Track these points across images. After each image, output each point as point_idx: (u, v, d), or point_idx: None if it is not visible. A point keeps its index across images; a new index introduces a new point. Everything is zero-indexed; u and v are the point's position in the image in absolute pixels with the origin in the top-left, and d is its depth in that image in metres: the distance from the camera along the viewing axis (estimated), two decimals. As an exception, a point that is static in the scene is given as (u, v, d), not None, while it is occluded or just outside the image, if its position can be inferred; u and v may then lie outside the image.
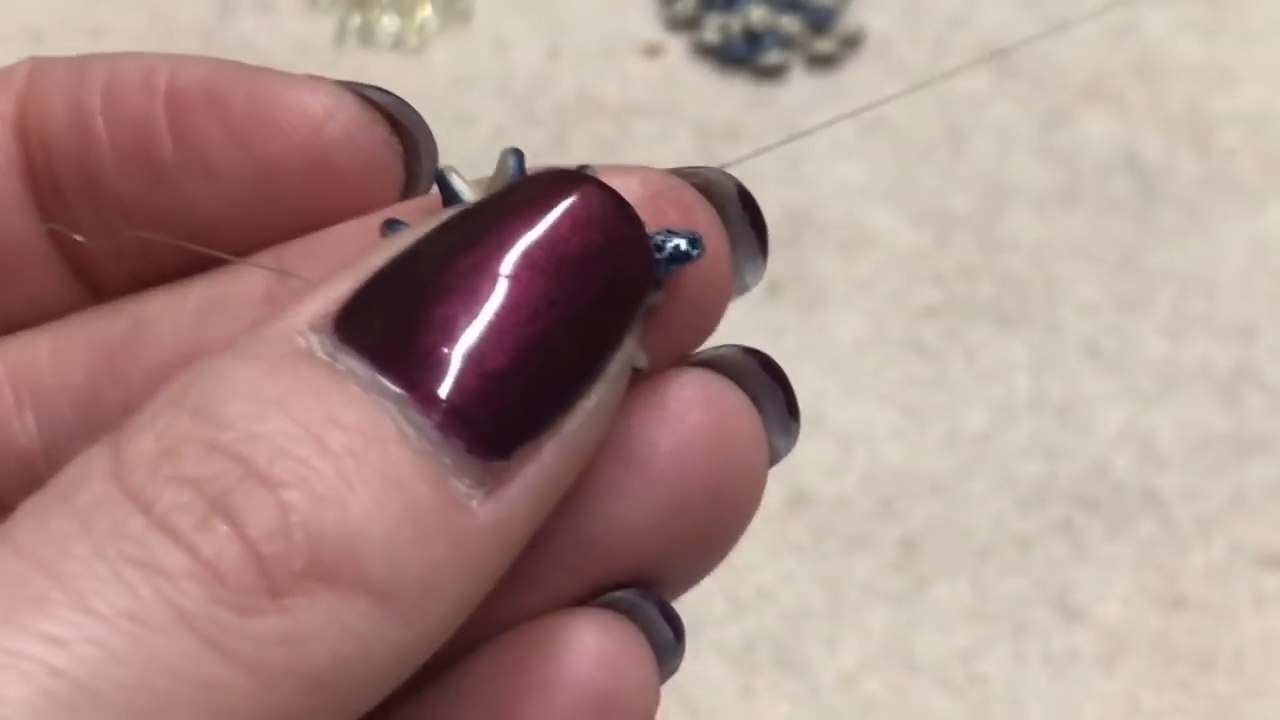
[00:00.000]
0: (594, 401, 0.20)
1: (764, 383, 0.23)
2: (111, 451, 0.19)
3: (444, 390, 0.19)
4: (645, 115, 0.54)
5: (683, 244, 0.22)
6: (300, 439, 0.19)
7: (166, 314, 0.24)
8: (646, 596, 0.23)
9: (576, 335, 0.20)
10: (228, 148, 0.23)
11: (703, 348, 0.23)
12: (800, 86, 0.55)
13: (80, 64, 0.24)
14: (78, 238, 0.24)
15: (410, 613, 0.19)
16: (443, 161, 0.24)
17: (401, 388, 0.19)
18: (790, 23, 0.55)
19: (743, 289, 0.24)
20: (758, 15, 0.55)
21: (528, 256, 0.20)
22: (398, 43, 0.54)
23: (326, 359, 0.20)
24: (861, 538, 0.46)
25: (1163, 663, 0.44)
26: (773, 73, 0.55)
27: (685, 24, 0.56)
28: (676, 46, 0.56)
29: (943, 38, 0.56)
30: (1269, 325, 0.51)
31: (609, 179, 0.22)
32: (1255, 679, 0.44)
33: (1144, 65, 0.56)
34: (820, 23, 0.56)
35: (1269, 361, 0.50)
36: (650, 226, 0.22)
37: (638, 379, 0.22)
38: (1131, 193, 0.53)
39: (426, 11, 0.55)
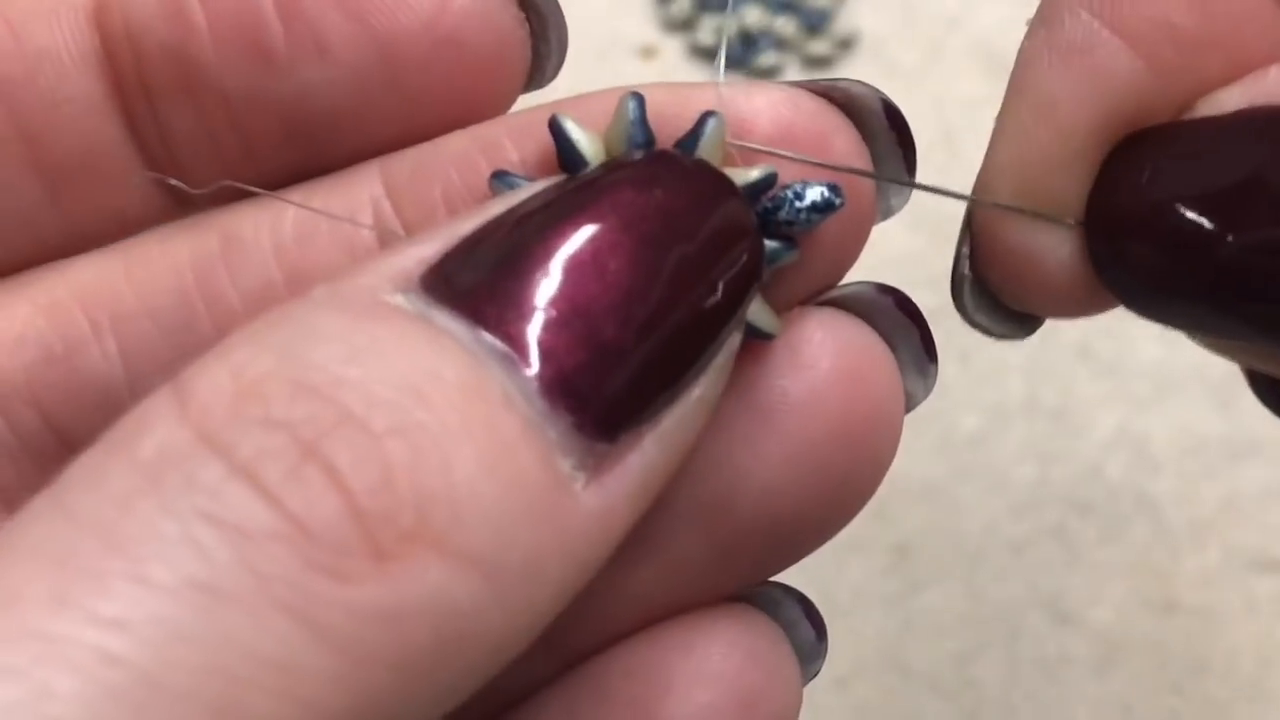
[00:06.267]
0: (698, 393, 0.19)
1: (898, 322, 0.22)
2: (178, 392, 0.16)
3: (554, 354, 0.17)
4: (640, 117, 0.54)
5: (820, 195, 0.20)
6: (398, 387, 0.16)
7: (263, 230, 0.21)
8: (789, 594, 0.22)
9: (686, 318, 0.19)
10: (345, 27, 0.21)
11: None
12: (795, 88, 0.55)
13: None
14: (177, 184, 0.21)
15: (513, 596, 0.17)
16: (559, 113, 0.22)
17: (507, 346, 0.17)
18: (785, 24, 0.55)
19: (887, 213, 0.22)
20: (753, 17, 0.55)
21: (639, 231, 0.18)
22: (393, 44, 0.54)
23: (418, 315, 0.17)
24: (854, 541, 0.46)
25: (1156, 667, 0.44)
26: (768, 74, 0.55)
27: (680, 26, 0.56)
28: (672, 48, 0.55)
29: (937, 39, 0.56)
30: (1263, 328, 0.51)
31: (737, 99, 0.20)
32: (1248, 683, 0.44)
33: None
34: (815, 24, 0.56)
35: (1263, 364, 0.50)
36: (790, 150, 0.20)
37: (767, 343, 0.21)
38: (1126, 195, 0.53)
39: (421, 13, 0.55)
